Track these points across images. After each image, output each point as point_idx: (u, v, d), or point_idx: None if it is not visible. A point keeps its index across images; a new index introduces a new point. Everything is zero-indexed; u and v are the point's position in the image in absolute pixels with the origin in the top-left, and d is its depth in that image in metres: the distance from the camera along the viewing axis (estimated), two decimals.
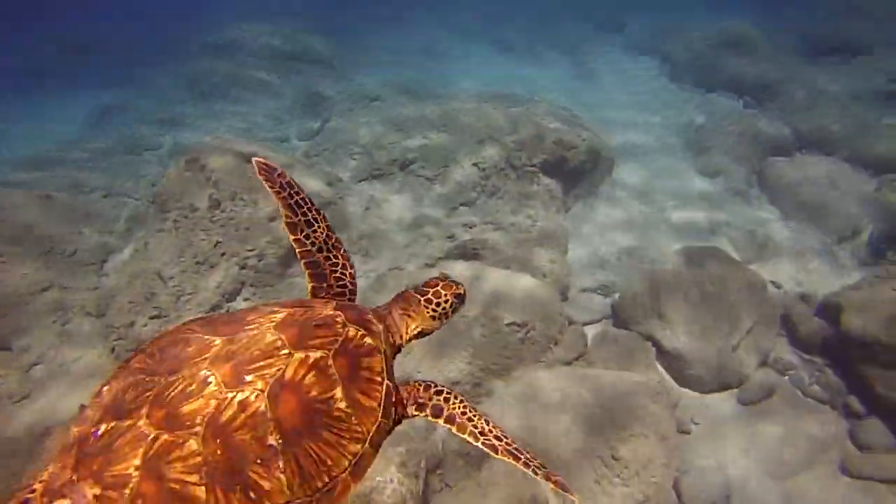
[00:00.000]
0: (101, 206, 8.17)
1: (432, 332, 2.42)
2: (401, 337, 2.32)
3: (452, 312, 2.42)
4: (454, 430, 2.15)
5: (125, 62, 14.43)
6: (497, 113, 8.45)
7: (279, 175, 2.40)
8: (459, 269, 6.32)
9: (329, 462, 1.78)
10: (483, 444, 2.13)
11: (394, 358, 2.23)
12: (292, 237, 2.35)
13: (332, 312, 2.03)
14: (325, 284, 2.33)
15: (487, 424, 2.17)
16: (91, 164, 9.35)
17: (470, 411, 2.19)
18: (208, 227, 6.45)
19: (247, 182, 6.61)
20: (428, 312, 2.36)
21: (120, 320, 5.82)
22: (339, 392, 1.84)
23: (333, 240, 2.41)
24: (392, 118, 8.99)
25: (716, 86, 12.15)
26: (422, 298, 2.36)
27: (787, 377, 6.18)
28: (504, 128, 8.07)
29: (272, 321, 1.93)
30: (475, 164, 7.68)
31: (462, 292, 2.42)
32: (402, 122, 8.74)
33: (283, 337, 1.86)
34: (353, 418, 1.85)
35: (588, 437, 4.95)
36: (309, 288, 2.33)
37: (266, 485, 1.67)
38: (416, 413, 2.15)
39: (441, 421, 2.16)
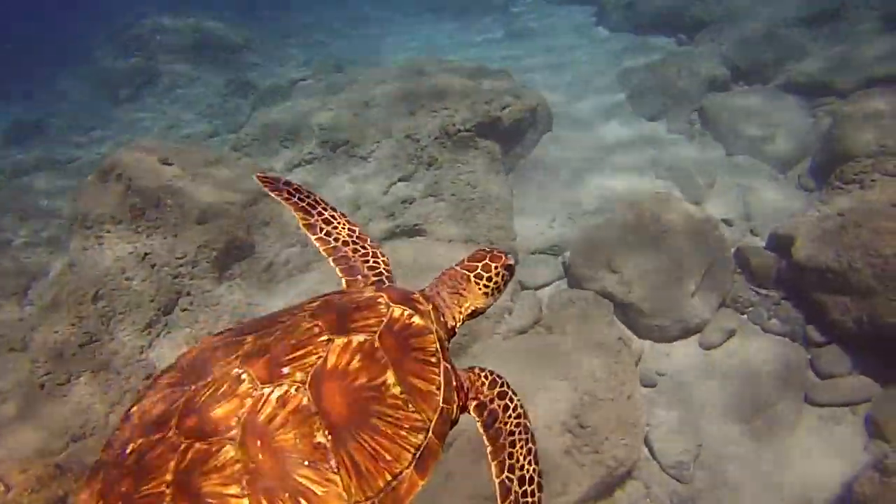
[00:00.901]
0: (22, 228, 7.66)
1: (485, 310, 2.26)
2: (454, 318, 2.15)
3: (504, 285, 2.27)
4: (490, 448, 1.92)
5: (25, 69, 13.48)
6: (428, 80, 8.13)
7: (284, 183, 2.33)
8: (402, 249, 6.07)
9: (389, 457, 1.56)
10: (500, 483, 1.88)
11: (448, 342, 2.06)
12: (313, 237, 2.24)
13: (372, 294, 1.88)
14: (359, 277, 2.18)
15: (526, 460, 1.91)
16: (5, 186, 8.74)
17: (520, 434, 1.95)
18: (134, 239, 6.05)
19: (169, 186, 6.21)
20: (480, 289, 2.19)
21: (45, 353, 5.42)
22: (390, 376, 1.65)
23: (358, 232, 2.29)
24: (321, 98, 8.60)
25: (649, 28, 11.99)
26: (471, 274, 2.20)
27: (745, 315, 6.14)
28: (435, 94, 7.76)
29: (307, 310, 1.79)
30: (408, 136, 7.38)
31: (512, 263, 2.28)
32: (332, 102, 8.36)
33: (319, 323, 1.70)
34: (410, 405, 1.64)
35: (552, 408, 4.81)
36: (344, 283, 2.18)
37: (319, 490, 1.46)
38: (474, 414, 1.96)
39: (484, 432, 1.95)
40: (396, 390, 1.63)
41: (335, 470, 1.48)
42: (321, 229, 2.27)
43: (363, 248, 2.27)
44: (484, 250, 2.28)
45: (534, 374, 4.98)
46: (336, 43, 12.99)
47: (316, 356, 1.60)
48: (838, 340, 5.68)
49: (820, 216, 5.96)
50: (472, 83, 7.93)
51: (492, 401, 1.97)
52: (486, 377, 2.03)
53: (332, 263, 2.22)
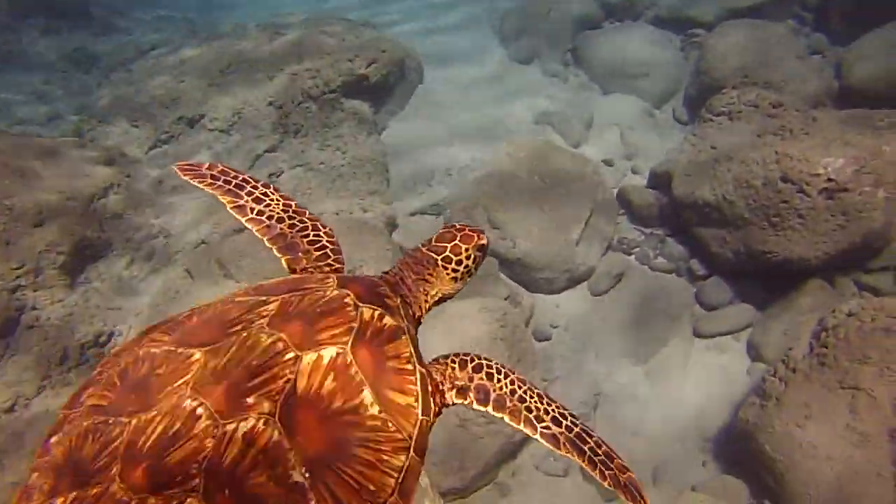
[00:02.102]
0: None
1: (453, 295, 2.08)
2: (420, 308, 1.98)
3: (476, 268, 2.07)
4: (507, 418, 1.78)
5: None
6: (285, 41, 7.49)
7: (207, 168, 2.14)
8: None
9: (372, 486, 1.40)
10: (541, 434, 1.77)
11: (416, 334, 1.85)
12: (244, 219, 2.03)
13: (337, 292, 1.65)
14: (299, 254, 1.98)
15: (545, 403, 1.82)
16: None
17: (521, 387, 1.84)
18: None
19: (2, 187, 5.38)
20: (448, 274, 2.00)
21: None
22: (367, 395, 1.46)
23: (294, 206, 2.10)
24: (173, 68, 7.76)
25: None
26: (438, 258, 1.99)
27: (632, 256, 6.14)
28: (295, 55, 7.15)
29: (263, 315, 1.53)
30: (270, 104, 6.79)
31: (485, 242, 2.06)
32: (186, 71, 7.56)
33: (283, 336, 1.47)
34: (389, 424, 1.47)
35: None
36: (284, 264, 1.97)
37: None
38: (458, 400, 1.80)
39: (489, 408, 1.79)
40: (374, 409, 1.46)
41: None
42: (251, 209, 2.05)
43: (301, 222, 2.06)
44: (454, 228, 2.06)
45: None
46: (191, 4, 11.81)
47: (283, 380, 1.38)
48: (719, 272, 5.80)
49: (694, 151, 5.98)
50: (333, 40, 7.37)
51: (471, 379, 1.83)
52: (452, 363, 1.87)
53: (267, 244, 2.01)
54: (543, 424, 1.78)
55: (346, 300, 1.62)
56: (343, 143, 6.56)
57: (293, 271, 1.95)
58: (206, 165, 2.17)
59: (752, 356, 5.54)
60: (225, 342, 1.46)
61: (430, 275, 1.99)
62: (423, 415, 1.57)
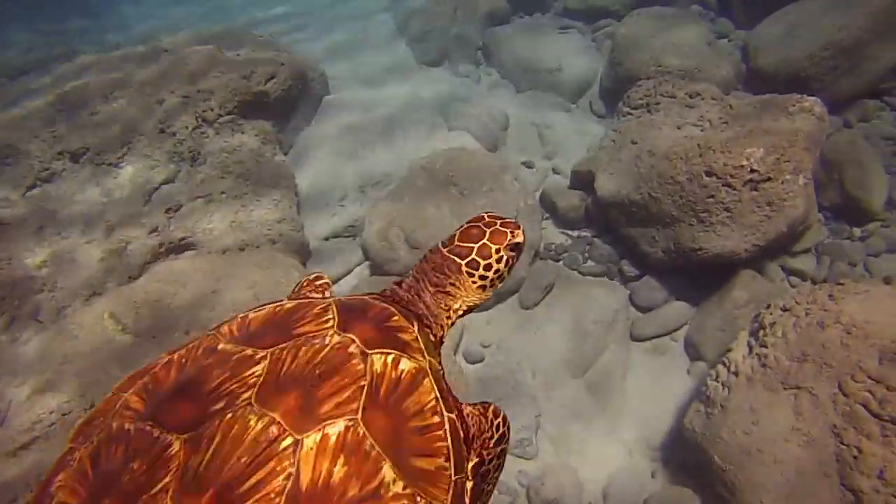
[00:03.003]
0: None
1: (478, 307, 1.78)
2: (442, 327, 1.71)
3: (509, 271, 1.76)
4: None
5: None
6: (175, 60, 6.81)
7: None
8: (177, 270, 5.03)
9: None
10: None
11: (439, 356, 1.57)
12: None
13: (338, 340, 1.34)
14: None
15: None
16: None
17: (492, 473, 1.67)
18: None
19: None
20: (475, 282, 1.70)
21: None
22: (388, 471, 1.19)
23: None
24: (48, 95, 6.95)
25: None
26: (463, 263, 1.68)
27: (561, 262, 5.87)
28: (186, 75, 6.51)
29: (250, 385, 1.24)
30: (162, 131, 6.13)
31: (520, 240, 1.73)
32: (65, 100, 6.77)
33: (276, 416, 1.17)
34: (418, 499, 1.21)
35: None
36: None
37: None
38: (470, 475, 1.51)
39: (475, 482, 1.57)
40: (398, 487, 1.20)
41: None
42: None
43: None
44: (481, 222, 1.74)
45: None
46: (65, 26, 10.83)
47: (283, 476, 1.11)
48: (651, 271, 5.61)
49: (615, 147, 5.76)
50: (227, 56, 6.76)
51: (490, 459, 1.61)
52: (492, 419, 1.62)
53: None
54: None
55: (350, 350, 1.33)
56: (246, 168, 6.00)
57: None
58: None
59: (691, 355, 5.39)
60: (207, 428, 1.18)
61: (453, 284, 1.70)
62: (456, 474, 1.32)
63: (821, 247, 5.90)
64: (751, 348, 4.39)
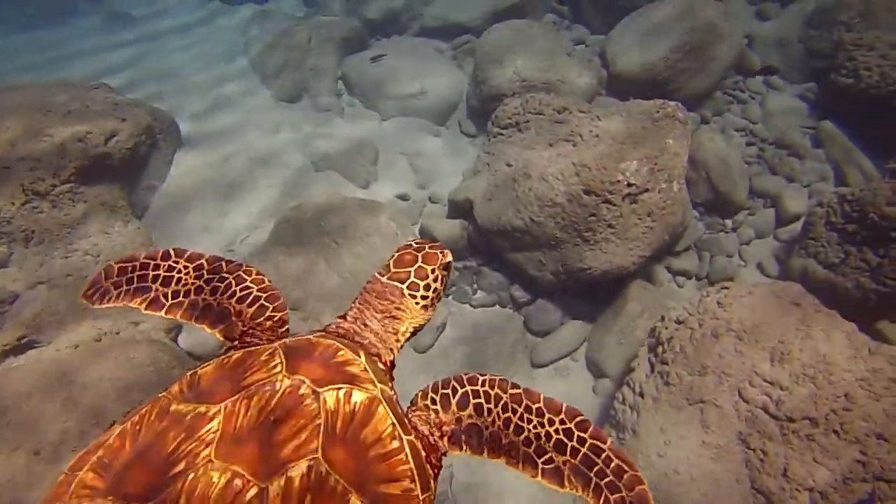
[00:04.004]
0: None
1: (423, 327, 1.83)
2: (391, 351, 1.72)
3: (445, 290, 1.86)
4: (504, 462, 1.56)
5: None
6: None
7: (106, 280, 1.83)
8: (16, 378, 4.26)
9: None
10: (543, 474, 1.54)
11: (391, 381, 1.60)
12: (161, 313, 1.75)
13: (289, 383, 1.35)
14: (232, 319, 1.68)
15: (546, 423, 1.56)
16: None
17: (517, 411, 1.58)
18: None
19: None
20: (417, 302, 1.75)
21: None
22: (355, 502, 1.22)
23: (207, 264, 1.81)
24: None
25: None
26: (404, 287, 1.74)
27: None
28: (5, 143, 5.59)
29: (207, 442, 1.23)
30: None
31: (450, 259, 1.84)
32: None
33: (237, 469, 1.18)
34: None
35: None
36: (220, 337, 1.66)
37: None
38: (454, 451, 1.56)
39: (485, 455, 1.55)
40: None
41: None
42: (164, 297, 1.77)
43: (221, 280, 1.77)
44: (411, 248, 1.84)
45: None
46: None
47: None
48: (543, 294, 5.43)
49: (490, 171, 5.55)
50: (57, 114, 5.90)
51: (459, 420, 1.59)
52: (434, 403, 1.62)
53: (197, 326, 1.71)
54: (545, 458, 1.56)
55: (301, 392, 1.35)
56: (93, 243, 5.25)
57: (231, 341, 1.66)
58: (103, 273, 1.84)
59: (594, 373, 5.27)
60: (170, 494, 1.17)
61: (399, 308, 1.75)
62: (423, 492, 1.37)
63: (699, 243, 6.00)
64: (652, 366, 4.30)
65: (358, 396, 1.39)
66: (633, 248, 4.80)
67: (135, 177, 6.24)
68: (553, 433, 1.59)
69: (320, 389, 1.36)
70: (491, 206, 5.28)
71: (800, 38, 7.50)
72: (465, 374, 1.68)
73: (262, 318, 1.72)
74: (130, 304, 1.80)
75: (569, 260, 4.93)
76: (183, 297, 1.76)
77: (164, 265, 1.84)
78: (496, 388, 1.65)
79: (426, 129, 7.15)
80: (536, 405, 1.63)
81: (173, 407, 1.35)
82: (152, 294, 1.79)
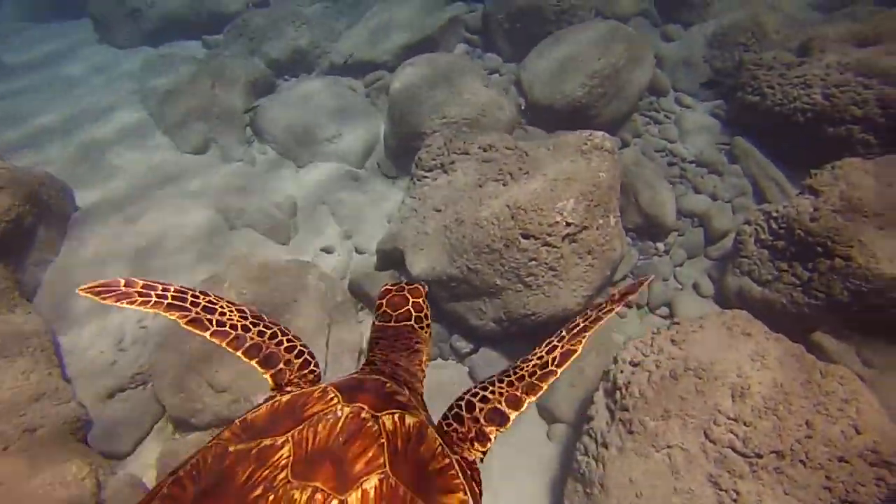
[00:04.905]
0: None
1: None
2: (420, 383, 1.85)
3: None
4: (525, 405, 1.70)
5: None
6: None
7: (126, 285, 1.80)
8: None
9: None
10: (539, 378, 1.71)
11: (427, 410, 1.71)
12: (206, 334, 1.74)
13: (349, 409, 1.45)
14: (281, 365, 1.71)
15: (528, 365, 1.73)
16: None
17: (512, 374, 1.73)
18: None
19: None
20: (425, 331, 1.98)
21: None
22: None
23: (249, 310, 1.85)
24: None
25: (168, 34, 10.02)
26: (412, 323, 1.95)
27: None
28: None
29: (280, 466, 1.28)
30: None
31: (427, 290, 2.09)
32: None
33: (317, 484, 1.24)
34: None
35: None
36: (270, 380, 1.70)
37: None
38: (482, 450, 1.63)
39: (511, 420, 1.67)
40: None
41: None
42: (210, 321, 1.75)
43: (266, 327, 1.79)
44: (393, 291, 2.03)
45: None
46: None
47: None
48: (486, 342, 5.17)
49: (418, 218, 5.27)
50: None
51: (476, 420, 1.66)
52: (448, 425, 1.65)
53: (243, 358, 1.71)
54: (536, 377, 1.70)
55: (362, 416, 1.42)
56: None
57: (279, 387, 1.68)
58: (123, 282, 1.80)
59: (547, 418, 5.07)
60: None
61: (418, 342, 1.92)
62: (473, 501, 1.41)
63: (635, 270, 5.94)
64: (612, 412, 4.11)
65: (410, 420, 1.48)
66: (576, 289, 4.63)
67: (22, 251, 5.56)
68: (533, 365, 1.73)
69: (378, 414, 1.45)
70: (423, 256, 4.99)
71: (704, 57, 7.71)
72: (472, 390, 1.78)
73: (306, 371, 1.75)
74: (164, 314, 1.78)
75: (511, 307, 4.70)
76: (229, 328, 1.77)
77: (204, 297, 1.84)
78: (494, 377, 1.78)
79: (345, 173, 6.78)
80: (520, 364, 1.77)
81: (232, 448, 1.37)
82: (192, 314, 1.78)
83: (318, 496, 1.23)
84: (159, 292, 1.82)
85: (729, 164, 6.78)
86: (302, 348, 1.80)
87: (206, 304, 1.82)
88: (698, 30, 7.99)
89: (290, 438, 1.37)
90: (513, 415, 1.68)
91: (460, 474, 1.46)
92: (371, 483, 1.29)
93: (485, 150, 5.24)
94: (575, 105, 6.69)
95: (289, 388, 1.69)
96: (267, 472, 1.29)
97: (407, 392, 1.65)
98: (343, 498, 1.25)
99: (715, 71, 7.59)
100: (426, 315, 2.00)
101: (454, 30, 8.52)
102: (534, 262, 4.51)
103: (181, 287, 1.85)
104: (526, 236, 4.49)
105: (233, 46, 9.14)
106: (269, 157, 7.00)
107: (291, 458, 1.32)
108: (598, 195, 4.64)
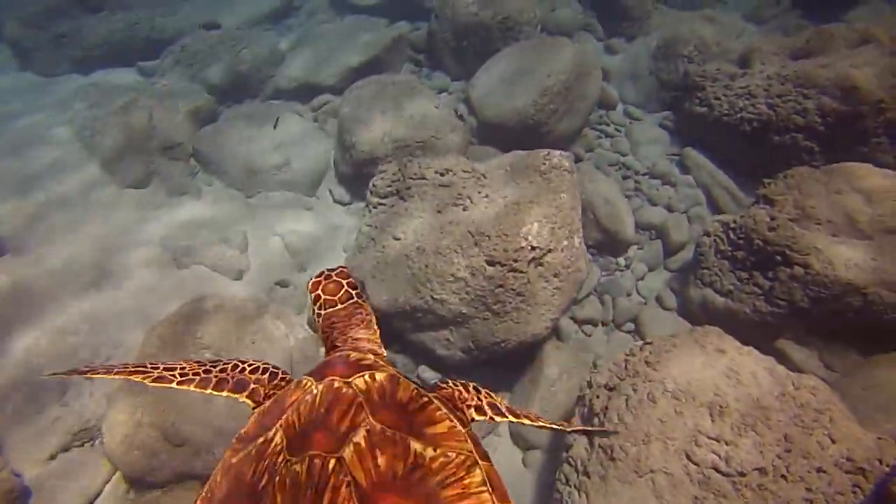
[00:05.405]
0: None
1: None
2: (382, 350, 2.06)
3: None
4: (526, 421, 2.08)
5: None
6: None
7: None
8: None
9: None
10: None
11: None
12: (172, 384, 1.87)
13: (322, 385, 1.60)
14: (252, 385, 1.83)
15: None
16: None
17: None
18: None
19: None
20: (368, 306, 2.20)
21: None
22: (415, 445, 1.43)
23: (202, 360, 2.00)
24: None
25: (100, 61, 9.51)
26: (356, 299, 2.17)
27: None
28: None
29: (277, 451, 1.43)
30: None
31: (349, 271, 2.30)
32: None
33: (312, 452, 1.39)
34: (449, 454, 1.44)
35: None
36: (247, 401, 1.81)
37: None
38: (479, 417, 1.89)
39: (510, 417, 2.02)
40: (431, 452, 1.43)
41: None
42: (171, 376, 1.88)
43: (225, 363, 1.93)
44: (323, 277, 2.22)
45: None
46: None
47: (344, 486, 1.30)
48: (454, 371, 5.02)
49: (377, 247, 5.08)
50: None
51: (480, 398, 1.95)
52: (455, 385, 1.96)
53: (216, 393, 1.83)
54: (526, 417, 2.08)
55: (335, 385, 1.58)
56: None
57: (258, 404, 1.78)
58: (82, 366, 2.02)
59: (521, 445, 4.94)
60: (267, 500, 1.34)
61: (368, 315, 2.14)
62: (464, 426, 1.58)
63: (598, 287, 5.90)
64: (590, 439, 4.01)
65: (380, 375, 1.63)
66: (544, 313, 4.53)
67: None
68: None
69: (349, 379, 1.59)
70: (384, 287, 4.81)
71: (650, 69, 7.81)
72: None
73: (276, 381, 1.85)
74: (130, 378, 1.89)
75: (479, 335, 4.56)
76: (192, 375, 1.87)
77: (161, 364, 1.95)
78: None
79: (296, 202, 6.55)
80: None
81: (235, 459, 1.50)
82: (156, 374, 1.88)
83: (317, 461, 1.35)
84: (119, 368, 1.94)
85: (681, 175, 6.85)
86: (265, 366, 1.92)
87: (165, 366, 1.94)
88: (642, 42, 8.11)
89: (279, 427, 1.49)
90: (509, 418, 1.98)
91: (442, 406, 1.59)
92: (359, 436, 1.41)
93: (441, 175, 5.11)
94: (527, 122, 6.65)
95: (266, 399, 1.82)
96: (267, 461, 1.42)
97: (371, 357, 1.82)
98: (339, 455, 1.36)
99: (661, 83, 7.69)
100: (359, 293, 2.18)
101: (399, 49, 8.41)
102: (501, 289, 4.39)
103: (145, 363, 1.96)
104: (491, 263, 4.37)
105: (170, 73, 8.78)
106: (216, 189, 6.69)
107: (284, 441, 1.44)
108: (562, 217, 4.56)
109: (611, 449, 3.82)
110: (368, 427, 1.44)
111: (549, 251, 4.44)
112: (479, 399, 1.93)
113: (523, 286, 4.39)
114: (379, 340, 2.08)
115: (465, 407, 1.86)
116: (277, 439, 1.46)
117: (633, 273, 6.04)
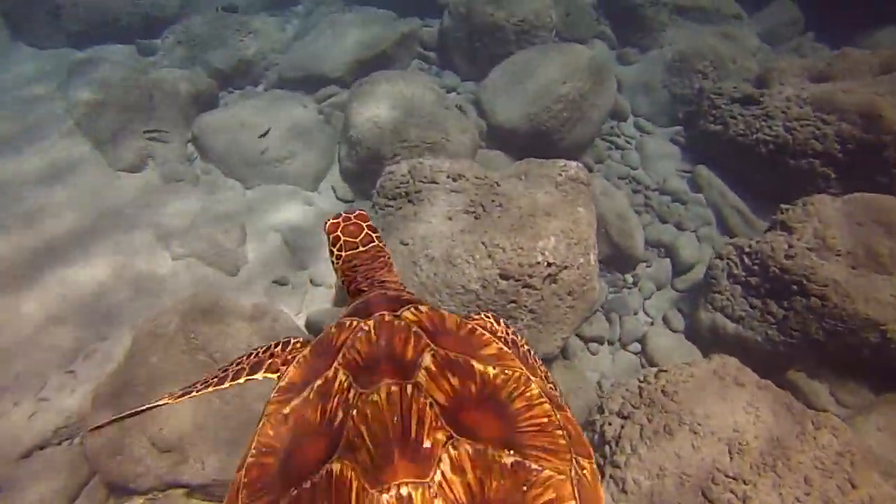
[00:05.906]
0: None
1: None
2: (403, 287, 2.05)
3: None
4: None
5: None
6: None
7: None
8: None
9: (550, 428, 1.36)
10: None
11: None
12: (194, 393, 1.90)
13: (373, 320, 1.56)
14: (270, 361, 1.78)
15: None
16: None
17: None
18: None
19: None
20: (388, 250, 2.17)
21: None
22: (477, 365, 1.47)
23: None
24: None
25: (95, 37, 9.15)
26: (377, 243, 2.09)
27: None
28: None
29: (344, 388, 1.39)
30: None
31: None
32: None
33: (385, 381, 1.35)
34: (508, 372, 1.48)
35: None
36: (268, 373, 1.76)
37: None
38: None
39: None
40: (491, 370, 1.47)
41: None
42: (190, 389, 1.91)
43: (230, 362, 1.92)
44: (341, 219, 2.11)
45: None
46: None
47: (428, 407, 1.30)
48: None
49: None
50: None
51: (508, 332, 1.95)
52: (487, 317, 1.93)
53: (235, 383, 1.82)
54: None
55: (387, 319, 1.57)
56: None
57: (277, 371, 1.73)
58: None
59: None
60: (346, 436, 1.27)
61: (389, 258, 2.09)
62: (513, 352, 1.60)
63: (606, 304, 5.73)
64: (601, 468, 3.82)
65: (423, 307, 1.64)
66: (556, 332, 4.35)
67: None
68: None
69: (398, 313, 1.58)
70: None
71: (663, 83, 7.66)
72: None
73: (292, 346, 1.82)
74: (167, 401, 1.89)
75: None
76: (210, 379, 1.88)
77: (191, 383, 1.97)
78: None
79: (297, 197, 6.29)
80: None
81: (287, 409, 1.44)
82: (179, 392, 1.91)
83: (394, 388, 1.32)
84: (152, 403, 1.95)
85: (692, 193, 6.70)
86: (276, 342, 1.87)
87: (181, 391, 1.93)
88: (657, 55, 7.95)
89: (338, 366, 1.45)
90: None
91: (488, 332, 1.63)
92: (427, 360, 1.42)
93: (454, 180, 4.91)
94: (539, 129, 6.47)
95: (285, 364, 1.75)
96: (336, 398, 1.37)
97: (406, 293, 1.83)
98: (414, 381, 1.35)
99: (674, 97, 7.54)
100: (379, 236, 2.11)
101: (408, 45, 8.17)
102: (513, 305, 4.19)
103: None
104: (505, 277, 4.17)
105: (171, 54, 8.46)
106: (214, 178, 6.39)
107: (350, 377, 1.40)
108: (578, 233, 4.38)
109: (623, 482, 3.65)
110: (433, 352, 1.46)
111: (565, 268, 4.25)
112: (506, 334, 1.94)
113: (536, 303, 4.19)
114: (402, 285, 2.04)
115: (500, 338, 1.82)
116: (341, 376, 1.43)
117: (641, 291, 5.88)
